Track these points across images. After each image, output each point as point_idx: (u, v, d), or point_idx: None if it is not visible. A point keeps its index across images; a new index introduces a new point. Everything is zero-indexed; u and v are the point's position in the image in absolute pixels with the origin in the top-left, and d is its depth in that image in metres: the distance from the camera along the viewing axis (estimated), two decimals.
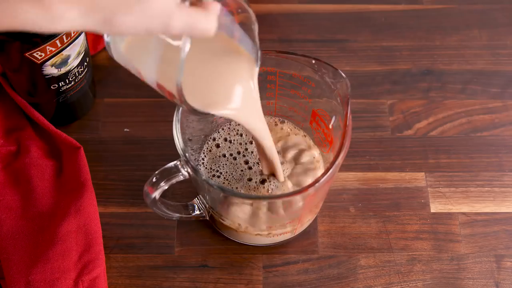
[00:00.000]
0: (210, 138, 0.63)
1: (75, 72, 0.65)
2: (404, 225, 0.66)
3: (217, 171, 0.61)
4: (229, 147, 0.63)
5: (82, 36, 0.62)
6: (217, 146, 0.62)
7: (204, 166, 0.61)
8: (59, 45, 0.59)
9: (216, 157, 0.62)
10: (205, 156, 0.62)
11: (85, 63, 0.66)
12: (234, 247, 0.64)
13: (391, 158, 0.71)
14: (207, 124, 0.62)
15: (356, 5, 0.84)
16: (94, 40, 0.78)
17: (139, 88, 0.76)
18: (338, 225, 0.66)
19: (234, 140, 0.63)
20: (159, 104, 0.75)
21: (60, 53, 0.60)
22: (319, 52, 0.80)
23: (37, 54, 0.59)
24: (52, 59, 0.60)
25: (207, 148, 0.62)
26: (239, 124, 0.63)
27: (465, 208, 0.68)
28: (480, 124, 0.74)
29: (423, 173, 0.70)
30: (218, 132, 0.63)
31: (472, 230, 0.66)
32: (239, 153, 0.62)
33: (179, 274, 0.63)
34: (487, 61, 0.80)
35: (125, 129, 0.72)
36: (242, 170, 0.61)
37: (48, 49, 0.59)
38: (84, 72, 0.66)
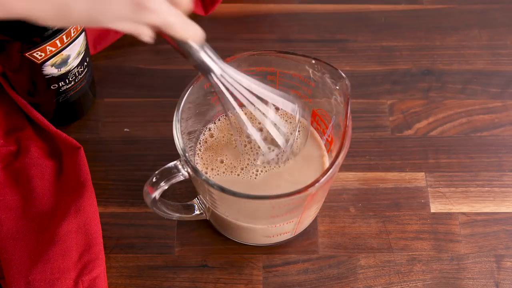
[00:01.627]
0: (206, 128, 0.62)
1: (75, 72, 0.64)
2: (404, 225, 0.66)
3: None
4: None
5: (82, 36, 0.62)
6: (211, 136, 0.62)
7: (200, 157, 0.61)
8: (59, 45, 0.59)
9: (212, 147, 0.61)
10: (201, 146, 0.61)
11: (85, 63, 0.66)
12: (234, 247, 0.64)
13: (391, 158, 0.71)
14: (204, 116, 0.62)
15: (356, 5, 0.84)
16: (95, 40, 0.78)
17: (139, 88, 0.76)
18: (338, 225, 0.66)
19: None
20: (159, 104, 0.74)
21: (60, 53, 0.60)
22: (319, 52, 0.79)
23: (37, 54, 0.58)
24: (52, 59, 0.60)
25: (203, 139, 0.62)
26: None
27: (465, 208, 0.67)
28: (480, 124, 0.74)
29: (423, 173, 0.70)
30: (215, 123, 0.63)
31: (472, 230, 0.66)
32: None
33: (179, 274, 0.62)
34: (487, 61, 0.80)
35: (125, 129, 0.72)
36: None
37: (48, 49, 0.58)
38: (84, 72, 0.66)
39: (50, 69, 0.61)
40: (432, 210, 0.67)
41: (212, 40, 0.82)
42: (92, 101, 0.74)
